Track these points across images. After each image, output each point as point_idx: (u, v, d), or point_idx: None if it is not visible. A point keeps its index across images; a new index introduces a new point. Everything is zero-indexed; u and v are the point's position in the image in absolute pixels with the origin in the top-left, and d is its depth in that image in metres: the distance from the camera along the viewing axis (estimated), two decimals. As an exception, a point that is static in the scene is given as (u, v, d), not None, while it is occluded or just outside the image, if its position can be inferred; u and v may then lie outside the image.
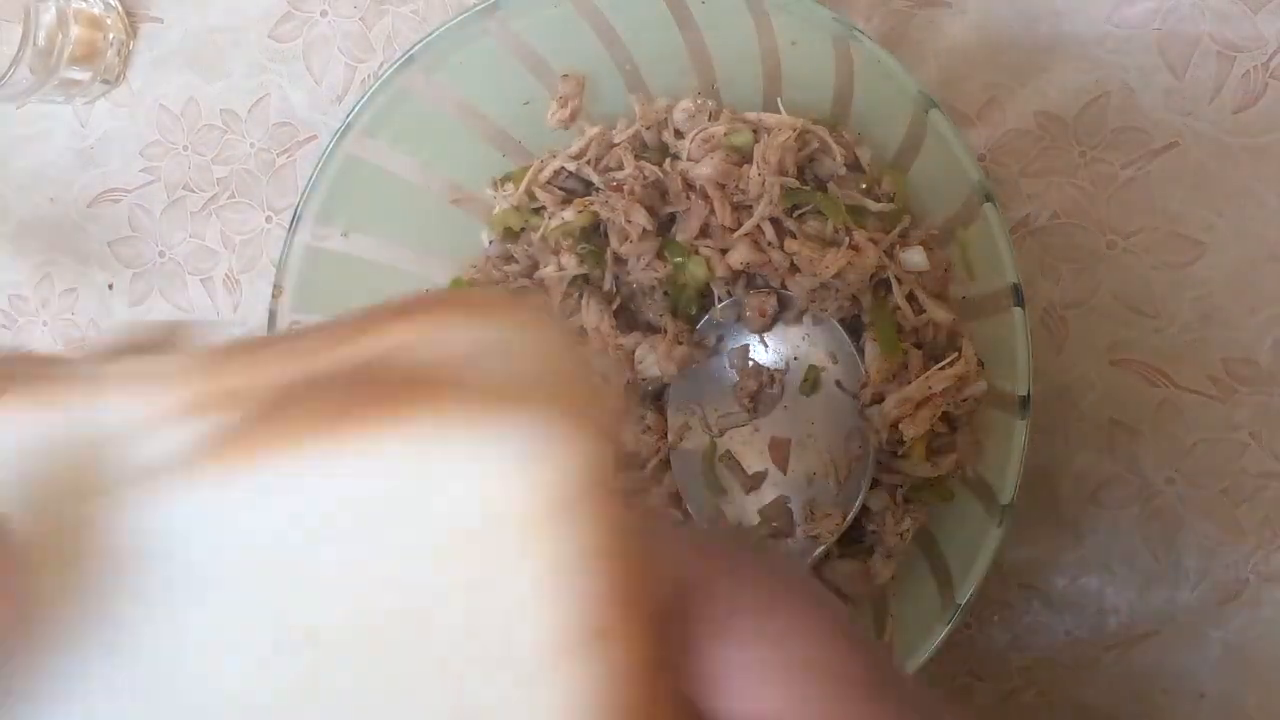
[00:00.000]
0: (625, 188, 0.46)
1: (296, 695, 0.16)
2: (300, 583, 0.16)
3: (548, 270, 0.48)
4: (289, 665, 0.16)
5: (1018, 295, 0.37)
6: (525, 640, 0.15)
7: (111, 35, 0.58)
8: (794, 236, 0.44)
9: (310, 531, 0.16)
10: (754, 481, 0.47)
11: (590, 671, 0.15)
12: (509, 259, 0.50)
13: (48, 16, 0.54)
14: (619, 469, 0.16)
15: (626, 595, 0.15)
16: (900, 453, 0.43)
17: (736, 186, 0.45)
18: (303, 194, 0.45)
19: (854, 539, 0.45)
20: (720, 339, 0.48)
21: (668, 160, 0.47)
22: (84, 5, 0.57)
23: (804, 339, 0.47)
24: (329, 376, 0.17)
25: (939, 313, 0.43)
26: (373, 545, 0.16)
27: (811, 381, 0.46)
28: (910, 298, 0.43)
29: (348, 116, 0.44)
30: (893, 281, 0.43)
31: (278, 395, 0.16)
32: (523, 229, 0.49)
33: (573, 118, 0.48)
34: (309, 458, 0.16)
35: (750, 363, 0.47)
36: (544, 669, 0.15)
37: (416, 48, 0.43)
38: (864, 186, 0.45)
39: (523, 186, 0.48)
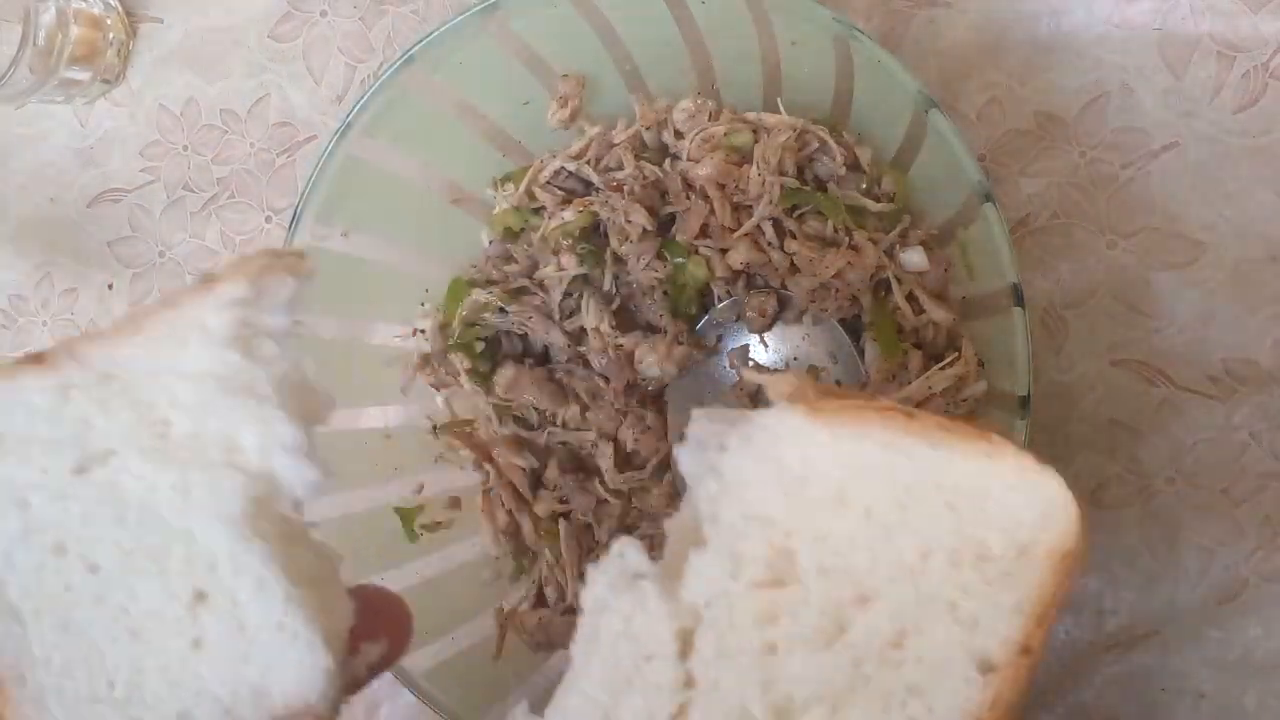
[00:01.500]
0: (625, 188, 0.46)
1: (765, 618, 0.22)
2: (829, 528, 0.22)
3: (548, 270, 0.48)
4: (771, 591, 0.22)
5: (1018, 295, 0.37)
6: (988, 640, 0.21)
7: (111, 35, 0.58)
8: (794, 236, 0.44)
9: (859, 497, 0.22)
10: (754, 481, 0.47)
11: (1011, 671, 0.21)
12: (509, 259, 0.50)
13: (48, 16, 0.54)
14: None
15: (1047, 625, 0.21)
16: (900, 453, 0.43)
17: (736, 186, 0.45)
18: (303, 194, 0.45)
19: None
20: (720, 339, 0.48)
21: (668, 160, 0.47)
22: (84, 5, 0.57)
23: (804, 339, 0.47)
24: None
25: (939, 313, 0.43)
26: (903, 522, 0.22)
27: (811, 381, 0.46)
28: (910, 298, 0.43)
29: (348, 116, 0.44)
30: (893, 281, 0.43)
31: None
32: (523, 229, 0.49)
33: (573, 118, 0.48)
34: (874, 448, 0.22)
35: (750, 363, 0.47)
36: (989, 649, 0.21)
37: (416, 48, 0.43)
38: (864, 186, 0.45)
39: (523, 186, 0.48)
